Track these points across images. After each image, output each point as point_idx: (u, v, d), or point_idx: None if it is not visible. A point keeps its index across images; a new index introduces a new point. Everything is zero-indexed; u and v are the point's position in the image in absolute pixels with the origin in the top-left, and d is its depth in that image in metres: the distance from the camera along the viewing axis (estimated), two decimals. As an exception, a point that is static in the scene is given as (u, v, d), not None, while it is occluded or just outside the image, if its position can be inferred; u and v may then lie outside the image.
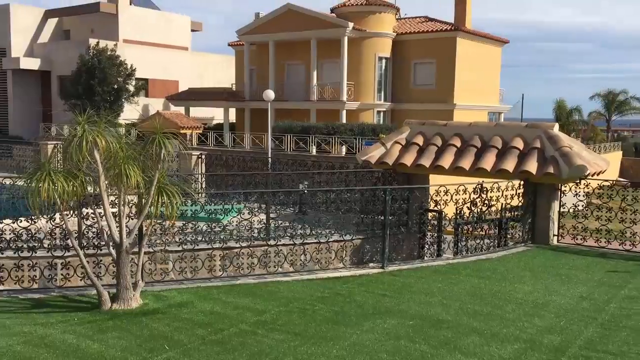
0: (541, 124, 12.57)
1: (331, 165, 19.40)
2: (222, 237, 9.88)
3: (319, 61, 34.66)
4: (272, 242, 10.15)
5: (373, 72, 34.46)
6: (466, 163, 12.19)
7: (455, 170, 12.31)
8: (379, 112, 35.20)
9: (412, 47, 34.50)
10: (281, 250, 10.11)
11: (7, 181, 9.47)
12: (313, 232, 10.45)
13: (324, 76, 35.09)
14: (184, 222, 9.76)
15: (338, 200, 12.05)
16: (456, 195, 11.33)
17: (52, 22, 40.99)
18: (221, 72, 45.35)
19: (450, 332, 6.80)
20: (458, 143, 12.72)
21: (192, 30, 45.27)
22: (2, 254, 8.57)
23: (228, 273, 9.78)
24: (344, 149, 28.13)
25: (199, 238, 9.76)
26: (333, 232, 10.73)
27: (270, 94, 26.62)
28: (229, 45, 41.35)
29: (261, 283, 9.14)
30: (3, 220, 8.56)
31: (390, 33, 34.63)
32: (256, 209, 10.50)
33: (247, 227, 10.05)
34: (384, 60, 34.91)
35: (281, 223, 10.65)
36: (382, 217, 10.42)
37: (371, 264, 10.72)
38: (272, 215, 11.23)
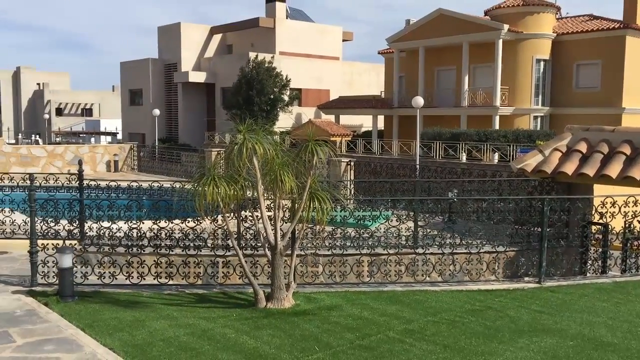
0: None
1: (482, 173, 18.70)
2: (370, 243, 9.96)
3: (471, 66, 33.68)
4: (420, 250, 10.02)
5: (530, 75, 32.70)
6: (638, 173, 11.08)
7: (624, 180, 11.24)
8: (535, 117, 33.31)
9: (575, 47, 32.18)
10: (429, 259, 9.94)
11: (177, 185, 10.36)
12: (463, 241, 10.14)
13: (476, 81, 34.01)
14: (334, 227, 9.99)
15: (490, 209, 11.58)
16: (625, 207, 10.34)
17: (217, 38, 44.34)
18: (370, 80, 45.89)
19: (617, 356, 6.21)
20: (628, 151, 11.60)
21: (343, 40, 46.36)
22: (172, 251, 9.39)
23: (375, 279, 9.82)
24: (496, 156, 26.99)
25: (348, 243, 9.93)
26: (484, 242, 10.33)
27: (419, 100, 26.38)
28: (378, 53, 41.73)
29: (408, 291, 9.05)
30: (173, 221, 9.38)
31: (550, 34, 32.64)
32: (404, 216, 10.44)
33: (394, 234, 10.03)
34: (542, 63, 32.99)
35: (429, 231, 10.48)
36: (539, 229, 9.82)
37: (526, 278, 10.14)
38: (420, 223, 11.08)
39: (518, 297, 8.65)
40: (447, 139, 29.35)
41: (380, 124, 39.02)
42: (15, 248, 11.18)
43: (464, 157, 27.89)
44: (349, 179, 19.04)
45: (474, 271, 10.03)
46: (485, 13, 34.86)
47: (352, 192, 17.77)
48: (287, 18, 42.89)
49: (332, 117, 39.25)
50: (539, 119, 33.50)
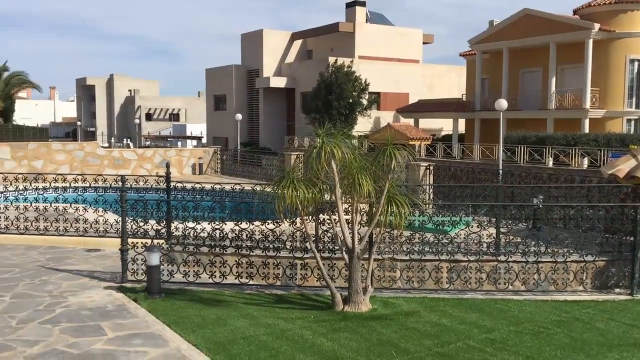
0: None
1: (570, 178, 17.89)
2: (449, 249, 9.78)
3: (558, 67, 32.29)
4: (502, 257, 9.72)
5: (623, 76, 30.92)
6: None
7: None
8: (629, 120, 31.44)
9: (673, 45, 30.14)
10: (512, 267, 9.62)
11: (257, 188, 10.62)
12: (548, 250, 9.74)
13: (564, 83, 32.57)
14: (412, 232, 9.88)
15: (578, 217, 11.06)
16: None
17: (297, 44, 45.04)
18: (450, 83, 45.03)
19: None
20: None
21: (424, 43, 45.77)
22: (253, 252, 9.63)
23: (455, 286, 9.62)
24: (585, 161, 25.71)
25: (426, 249, 9.79)
26: (572, 251, 9.88)
27: (502, 103, 25.60)
28: (460, 55, 40.89)
29: (490, 299, 8.81)
30: (254, 222, 9.62)
31: (645, 32, 30.75)
32: (485, 223, 10.17)
33: (475, 241, 9.80)
34: (636, 63, 31.12)
35: (512, 238, 10.14)
36: (632, 238, 9.28)
37: (617, 290, 9.61)
38: (502, 230, 10.75)
39: (607, 309, 8.21)
40: (532, 143, 28.26)
41: (461, 128, 38.18)
42: (107, 246, 11.85)
43: (550, 162, 26.76)
44: (427, 183, 18.77)
45: (560, 281, 9.61)
46: (574, 12, 33.36)
47: (431, 197, 17.50)
48: (366, 22, 42.90)
49: (411, 121, 38.82)
50: (632, 122, 31.60)
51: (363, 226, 8.93)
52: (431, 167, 19.38)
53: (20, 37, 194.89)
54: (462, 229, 9.93)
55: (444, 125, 41.06)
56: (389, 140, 8.15)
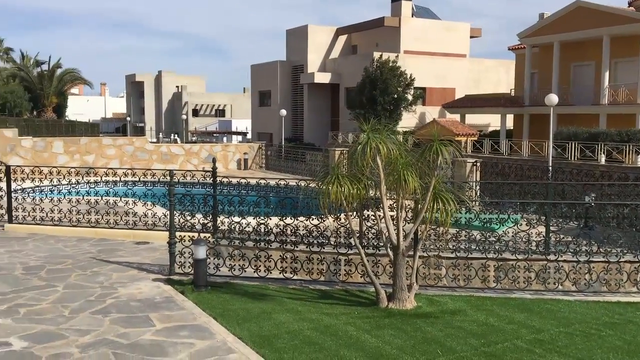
0: None
1: (624, 176, 17.30)
2: (496, 247, 9.58)
3: (612, 60, 31.17)
4: (552, 257, 9.47)
5: (681, 70, 29.64)
6: None
7: None
8: (687, 115, 30.12)
9: None
10: (562, 266, 9.36)
11: (302, 183, 10.65)
12: (601, 249, 9.43)
13: (618, 77, 31.43)
14: (458, 230, 9.73)
15: (633, 215, 10.67)
16: None
17: (342, 39, 44.94)
18: (498, 78, 44.10)
19: None
20: None
21: (471, 37, 44.99)
22: (297, 247, 9.67)
23: (502, 285, 9.43)
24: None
25: (473, 247, 9.62)
26: (625, 251, 9.53)
27: (553, 98, 24.91)
28: (509, 49, 40.01)
29: (539, 299, 8.61)
30: (298, 218, 9.66)
31: None
32: (534, 221, 9.91)
33: (524, 239, 9.57)
34: (696, 55, 29.76)
35: (563, 237, 9.86)
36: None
37: (674, 292, 9.22)
38: (552, 229, 10.46)
39: (664, 313, 7.89)
40: (584, 139, 27.41)
41: (509, 124, 37.38)
42: (155, 239, 12.11)
43: (602, 159, 25.88)
44: (474, 180, 18.46)
45: (612, 281, 9.29)
46: (629, 4, 32.17)
47: (478, 194, 17.21)
48: (412, 16, 42.45)
49: (457, 117, 38.24)
50: (692, 118, 30.25)
51: (408, 223, 8.85)
52: (478, 164, 19.05)
53: (73, 35, 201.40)
54: (510, 227, 9.72)
55: (492, 120, 40.27)
56: (435, 136, 8.04)
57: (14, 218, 13.05)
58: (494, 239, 9.61)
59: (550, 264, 9.32)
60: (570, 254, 9.45)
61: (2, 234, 12.53)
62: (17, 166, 13.97)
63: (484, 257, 9.48)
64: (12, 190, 13.16)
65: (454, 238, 9.70)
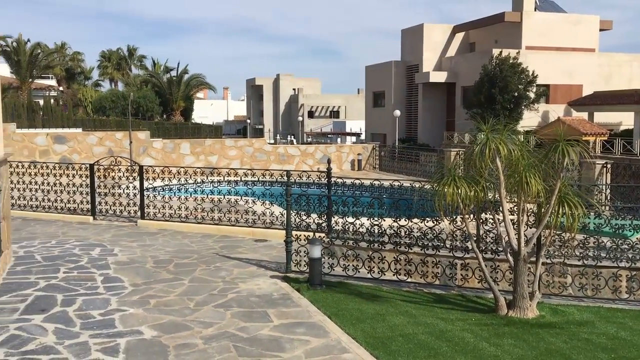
0: None
1: None
2: (629, 255, 8.86)
3: None
4: (695, 268, 8.59)
5: None
6: None
7: None
8: None
9: None
10: None
11: (416, 184, 10.50)
12: None
13: None
14: (586, 236, 9.11)
15: None
16: None
17: (459, 37, 43.81)
18: (631, 73, 40.77)
19: None
20: None
21: (600, 30, 42.00)
22: (411, 249, 9.55)
23: (636, 297, 8.70)
24: None
25: (602, 254, 8.97)
26: None
27: (697, 93, 22.60)
28: (644, 41, 36.88)
29: (679, 315, 7.84)
30: (412, 220, 9.53)
31: None
32: (675, 228, 9.05)
33: (662, 248, 8.78)
34: None
35: None
36: None
37: None
38: (696, 237, 9.50)
39: None
40: None
41: (644, 122, 34.44)
42: (273, 237, 12.51)
43: None
44: (604, 182, 17.21)
45: None
46: None
47: (609, 198, 16.02)
48: (535, 10, 40.42)
49: (584, 115, 35.87)
50: None
51: (530, 227, 8.43)
52: (608, 165, 17.74)
53: (198, 42, 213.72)
54: (646, 234, 8.95)
55: (623, 119, 37.35)
56: (560, 135, 7.58)
57: (145, 215, 14.06)
58: (627, 247, 8.90)
59: (693, 276, 8.47)
60: None
61: (135, 229, 13.55)
62: (149, 166, 15.03)
63: (615, 266, 8.81)
64: (145, 188, 14.20)
65: (581, 245, 9.10)
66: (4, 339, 6.49)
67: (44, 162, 15.93)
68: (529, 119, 34.99)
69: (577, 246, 9.08)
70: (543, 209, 7.84)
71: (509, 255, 8.00)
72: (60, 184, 15.13)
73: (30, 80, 55.37)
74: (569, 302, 8.49)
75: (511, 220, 8.01)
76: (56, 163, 16.09)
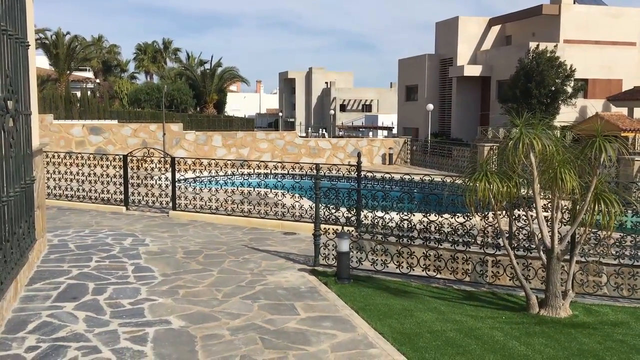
0: None
1: None
2: (669, 256, 8.57)
3: None
4: None
5: None
6: None
7: None
8: None
9: None
10: None
11: (447, 179, 10.35)
12: None
13: None
14: (623, 234, 8.85)
15: None
16: None
17: (494, 30, 43.04)
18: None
19: None
20: None
21: (643, 22, 40.74)
22: (441, 245, 9.42)
23: (675, 298, 8.41)
24: None
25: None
26: None
27: None
28: (689, 34, 35.66)
29: None
30: (443, 215, 9.39)
31: None
32: None
33: None
34: None
35: None
36: None
37: None
38: None
39: None
40: None
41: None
42: (301, 230, 12.51)
43: None
44: (643, 180, 16.70)
45: None
46: None
47: (647, 196, 15.53)
48: (574, 3, 39.43)
49: (624, 110, 34.90)
50: None
51: (564, 225, 8.22)
52: (648, 162, 17.20)
53: (233, 35, 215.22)
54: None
55: (668, 114, 36.23)
56: (598, 131, 7.35)
57: (177, 206, 14.21)
58: (666, 247, 8.60)
59: None
60: None
61: (167, 220, 13.72)
62: (181, 158, 15.19)
63: (653, 266, 8.53)
64: (176, 180, 14.35)
65: (617, 243, 8.83)
66: (36, 325, 6.62)
67: (79, 153, 16.24)
68: (566, 114, 34.21)
69: (613, 245, 8.83)
70: (578, 206, 7.63)
71: (541, 252, 7.82)
72: (95, 174, 15.41)
73: (68, 72, 56.50)
74: (604, 302, 8.26)
75: (545, 217, 7.82)
76: (91, 154, 16.38)
